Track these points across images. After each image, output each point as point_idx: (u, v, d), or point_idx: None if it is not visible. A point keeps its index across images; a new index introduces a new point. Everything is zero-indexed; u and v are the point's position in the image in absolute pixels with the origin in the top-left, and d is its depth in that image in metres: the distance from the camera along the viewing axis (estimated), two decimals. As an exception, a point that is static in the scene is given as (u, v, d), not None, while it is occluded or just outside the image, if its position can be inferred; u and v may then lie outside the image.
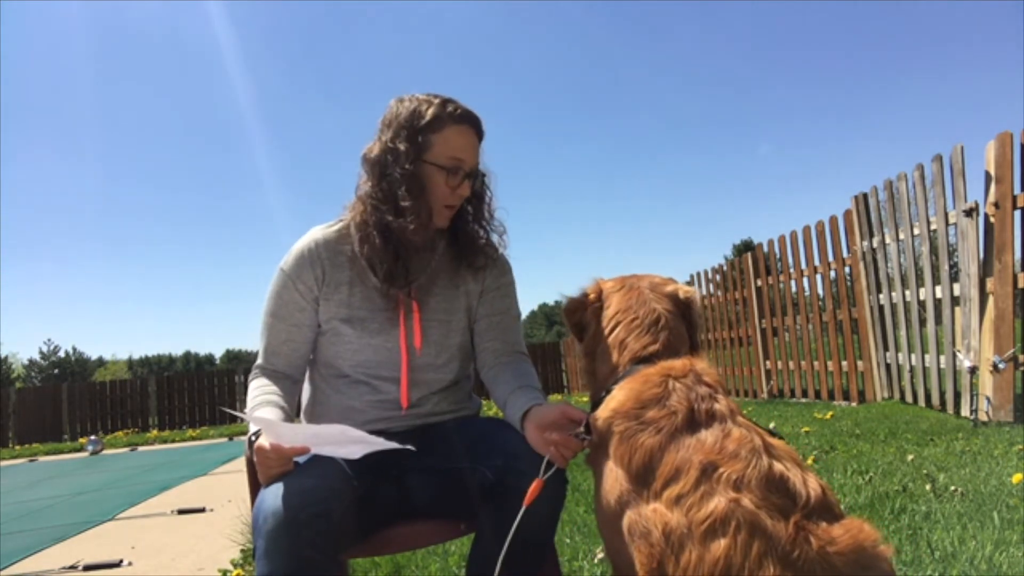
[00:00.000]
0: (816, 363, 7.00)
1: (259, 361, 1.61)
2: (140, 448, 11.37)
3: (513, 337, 1.67)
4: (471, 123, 1.57)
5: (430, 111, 1.53)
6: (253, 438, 1.39)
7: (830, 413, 5.53)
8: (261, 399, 1.51)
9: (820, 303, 7.14)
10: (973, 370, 4.50)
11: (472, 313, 1.66)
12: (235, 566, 2.90)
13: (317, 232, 1.61)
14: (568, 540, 2.63)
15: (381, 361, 1.57)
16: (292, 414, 1.54)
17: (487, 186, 1.66)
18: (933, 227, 5.01)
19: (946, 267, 5.07)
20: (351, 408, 1.58)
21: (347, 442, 1.31)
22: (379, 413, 1.57)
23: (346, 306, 1.56)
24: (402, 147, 1.51)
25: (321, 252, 1.57)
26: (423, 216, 1.53)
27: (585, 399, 11.66)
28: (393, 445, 1.32)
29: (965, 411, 4.61)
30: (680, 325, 1.41)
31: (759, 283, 7.88)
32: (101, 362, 68.74)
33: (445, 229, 1.63)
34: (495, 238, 1.69)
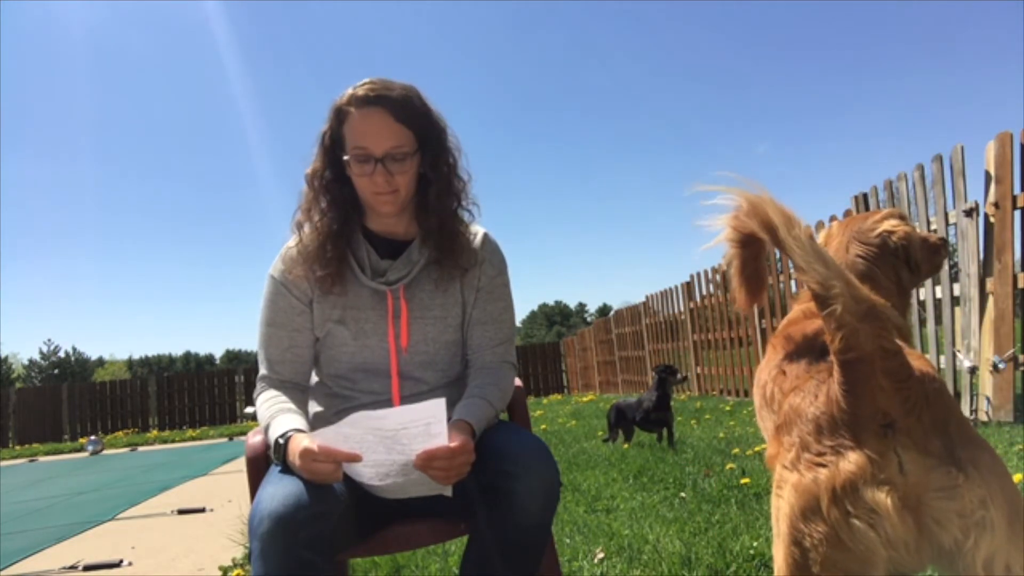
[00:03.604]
0: (816, 363, 6.98)
1: (263, 372, 1.58)
2: (140, 448, 11.38)
3: (500, 339, 1.62)
4: (376, 103, 1.46)
5: (340, 101, 1.50)
6: (281, 440, 1.37)
7: (830, 413, 5.51)
8: (277, 407, 1.49)
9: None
10: (973, 370, 4.50)
11: (468, 308, 1.62)
12: (236, 566, 2.90)
13: (304, 235, 1.59)
14: (568, 540, 2.63)
15: (378, 360, 1.56)
16: (308, 421, 1.52)
17: (448, 163, 1.57)
18: (933, 227, 5.01)
19: (946, 267, 5.07)
20: (349, 408, 1.56)
21: (373, 430, 1.28)
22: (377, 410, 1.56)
23: (340, 307, 1.55)
24: (325, 142, 1.53)
25: (308, 255, 1.56)
26: (363, 211, 1.57)
27: (586, 399, 11.55)
28: (436, 491, 1.33)
29: (965, 411, 4.61)
30: (875, 268, 1.39)
31: (759, 283, 7.87)
32: (101, 362, 68.73)
33: (429, 226, 1.57)
34: (467, 216, 1.62)
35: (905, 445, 0.92)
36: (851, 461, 0.92)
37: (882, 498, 0.90)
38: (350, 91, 1.49)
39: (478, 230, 1.65)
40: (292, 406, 1.50)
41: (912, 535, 0.90)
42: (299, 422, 1.44)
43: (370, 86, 1.48)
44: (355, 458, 1.29)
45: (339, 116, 1.50)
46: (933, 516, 0.90)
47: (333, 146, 1.53)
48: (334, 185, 1.55)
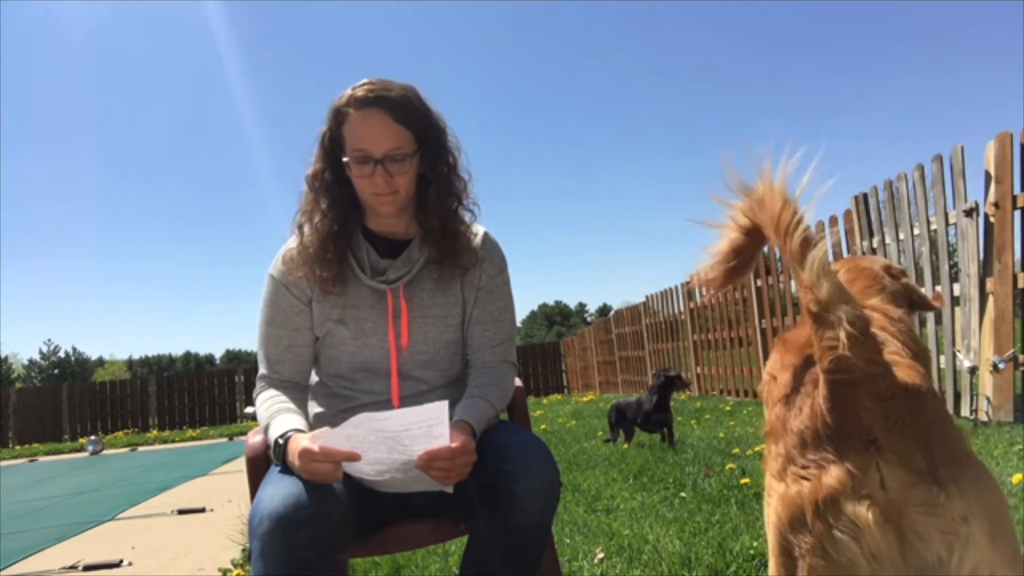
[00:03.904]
0: (816, 363, 6.98)
1: (263, 371, 1.58)
2: (140, 448, 11.37)
3: (500, 338, 1.62)
4: (375, 104, 1.45)
5: (339, 102, 1.49)
6: (281, 440, 1.37)
7: (830, 413, 5.51)
8: (277, 407, 1.49)
9: (820, 303, 7.12)
10: (973, 370, 4.50)
11: (468, 307, 1.62)
12: (235, 566, 2.90)
13: (304, 235, 1.60)
14: (568, 540, 2.63)
15: (377, 360, 1.56)
16: (308, 422, 1.52)
17: (448, 163, 1.56)
18: (933, 227, 5.01)
19: (946, 267, 5.07)
20: (349, 409, 1.57)
21: (388, 461, 1.29)
22: (378, 411, 1.56)
23: (340, 306, 1.55)
24: (324, 143, 1.53)
25: (308, 254, 1.56)
26: (362, 211, 1.57)
27: (587, 399, 11.56)
28: (436, 487, 1.33)
29: (965, 411, 4.60)
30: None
31: (759, 283, 7.87)
32: (101, 362, 68.70)
33: (429, 226, 1.57)
34: (467, 216, 1.62)
35: (887, 460, 0.93)
36: (833, 475, 0.94)
37: (863, 512, 0.91)
38: (349, 92, 1.48)
39: (478, 229, 1.65)
40: (292, 406, 1.50)
41: (894, 549, 0.91)
42: (298, 422, 1.44)
43: (369, 87, 1.47)
44: (354, 457, 1.29)
45: (338, 117, 1.50)
46: (915, 531, 0.91)
47: (333, 147, 1.53)
48: (334, 186, 1.55)
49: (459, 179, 1.59)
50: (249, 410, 1.65)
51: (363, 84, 1.48)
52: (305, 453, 1.29)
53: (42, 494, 6.37)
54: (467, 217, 1.63)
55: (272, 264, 1.61)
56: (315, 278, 1.54)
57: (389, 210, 1.53)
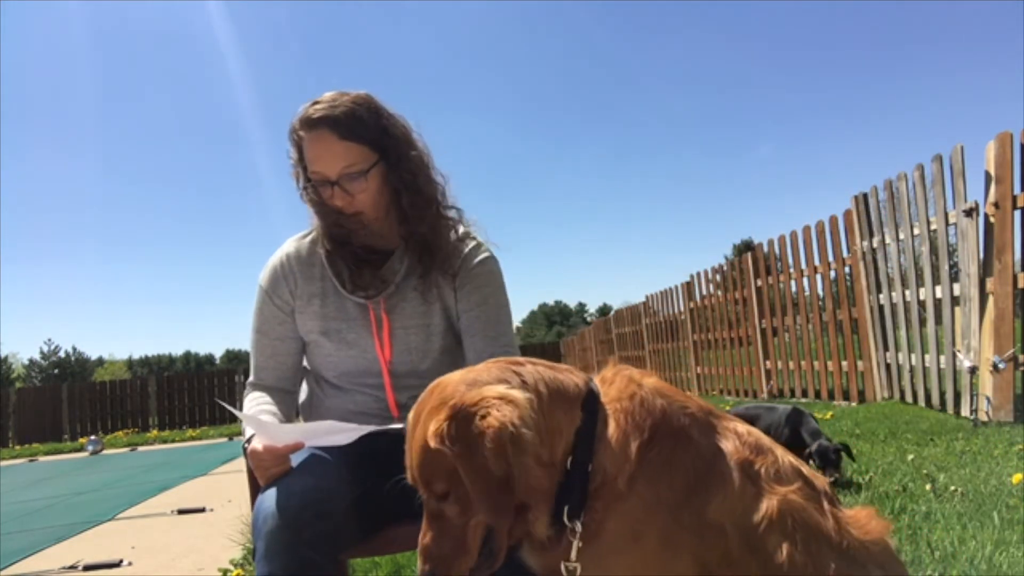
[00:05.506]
0: (816, 363, 7.00)
1: (251, 378, 1.62)
2: (140, 448, 11.38)
3: (496, 331, 1.57)
4: (321, 124, 1.44)
5: (293, 123, 1.49)
6: (246, 445, 1.39)
7: (830, 413, 5.53)
8: (254, 410, 1.51)
9: (820, 303, 7.13)
10: (973, 370, 4.50)
11: (452, 312, 1.60)
12: (235, 566, 2.90)
13: (289, 245, 1.61)
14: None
15: (362, 370, 1.56)
16: (285, 420, 1.54)
17: (414, 168, 1.53)
18: (933, 227, 5.01)
19: (946, 267, 5.07)
20: (348, 411, 1.57)
21: (337, 432, 1.35)
22: (377, 413, 1.57)
23: (320, 318, 1.56)
24: (293, 159, 1.53)
25: (292, 266, 1.57)
26: (339, 226, 1.52)
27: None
28: (383, 428, 1.36)
29: (965, 411, 4.60)
30: None
31: (759, 283, 7.87)
32: (101, 362, 68.67)
33: (408, 234, 1.56)
34: (452, 213, 1.60)
35: None
36: None
37: None
38: (300, 111, 1.48)
39: (460, 230, 1.63)
40: (270, 408, 1.52)
41: None
42: (266, 419, 1.46)
43: (315, 106, 1.46)
44: (297, 447, 1.33)
45: (296, 139, 1.50)
46: None
47: (305, 167, 1.53)
48: (319, 203, 1.54)
49: (432, 182, 1.57)
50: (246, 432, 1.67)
51: (313, 103, 1.47)
52: (252, 454, 1.33)
53: (42, 494, 6.37)
54: (452, 215, 1.61)
55: (261, 273, 1.62)
56: (297, 291, 1.56)
57: (361, 227, 1.53)
